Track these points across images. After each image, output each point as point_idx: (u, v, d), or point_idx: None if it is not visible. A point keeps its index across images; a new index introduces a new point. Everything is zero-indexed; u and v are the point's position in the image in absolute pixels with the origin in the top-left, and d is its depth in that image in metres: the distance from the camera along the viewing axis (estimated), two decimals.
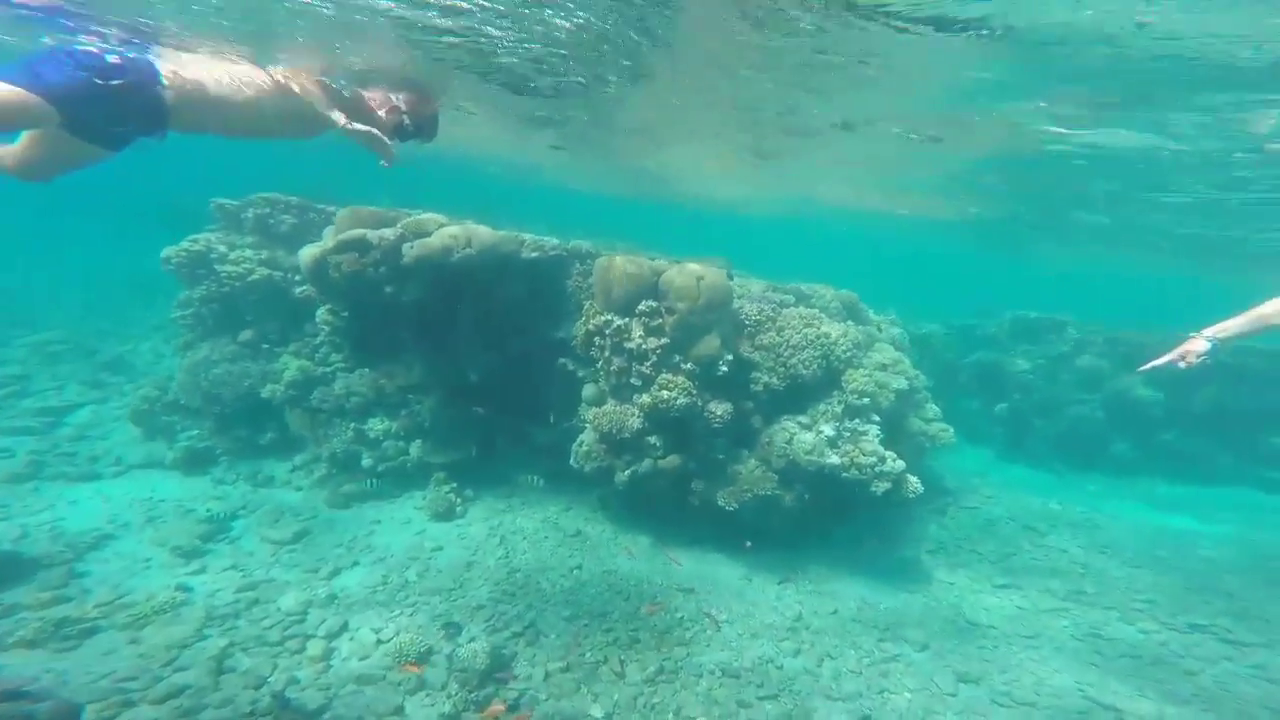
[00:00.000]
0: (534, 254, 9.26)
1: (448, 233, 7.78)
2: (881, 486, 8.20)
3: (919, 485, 8.44)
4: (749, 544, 8.46)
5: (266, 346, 9.36)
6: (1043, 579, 9.18)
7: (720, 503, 8.21)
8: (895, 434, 10.03)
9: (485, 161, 25.67)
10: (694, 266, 8.25)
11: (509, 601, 6.89)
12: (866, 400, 8.82)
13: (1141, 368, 4.70)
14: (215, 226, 10.32)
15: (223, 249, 9.49)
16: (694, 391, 8.15)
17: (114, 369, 12.67)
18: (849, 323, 10.97)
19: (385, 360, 9.43)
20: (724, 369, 8.26)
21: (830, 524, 9.15)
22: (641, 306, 8.13)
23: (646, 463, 8.43)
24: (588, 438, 8.76)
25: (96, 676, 5.14)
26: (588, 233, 14.08)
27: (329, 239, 8.14)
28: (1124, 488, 14.64)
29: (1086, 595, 8.77)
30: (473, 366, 9.13)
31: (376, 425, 8.85)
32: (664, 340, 8.17)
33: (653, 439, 8.35)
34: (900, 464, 8.28)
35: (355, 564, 7.24)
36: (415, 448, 8.98)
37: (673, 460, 8.39)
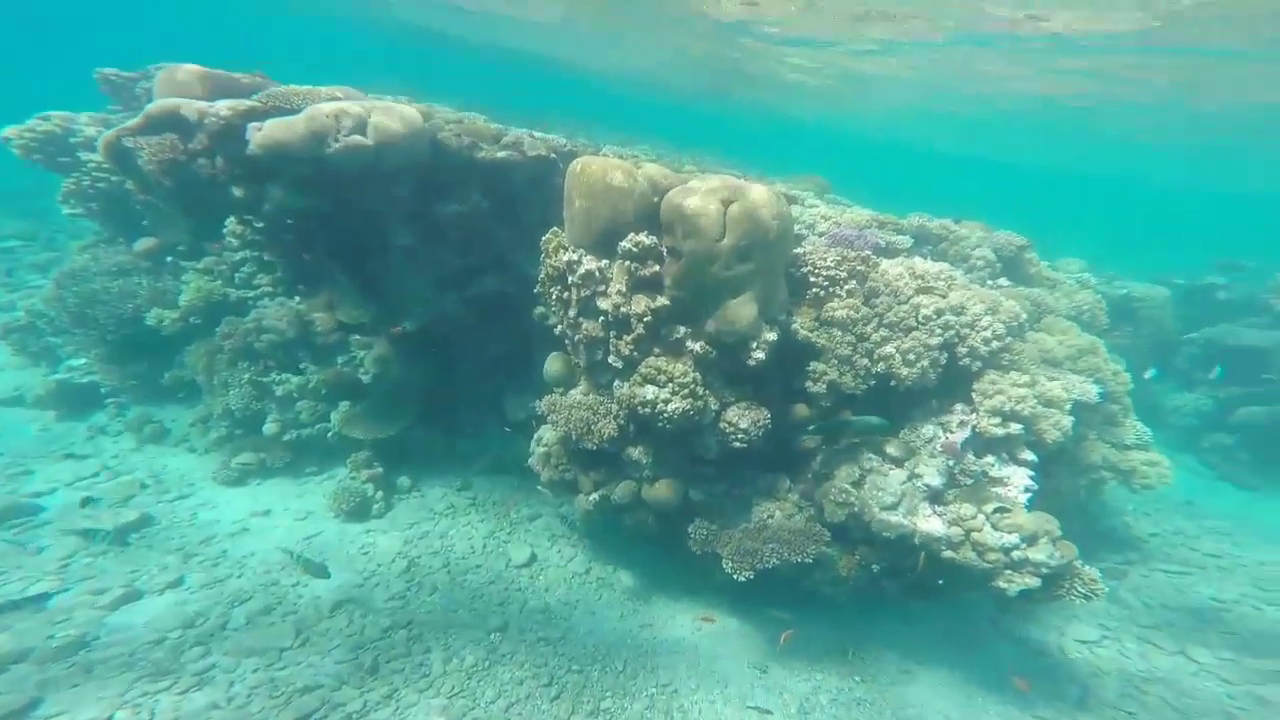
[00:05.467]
0: (502, 154, 6.28)
1: (323, 111, 5.00)
2: (1017, 584, 4.79)
3: (1099, 584, 4.86)
4: (787, 633, 5.53)
5: (172, 260, 7.43)
6: None
7: (727, 566, 5.24)
8: (1056, 464, 6.30)
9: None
10: (721, 182, 4.86)
11: (356, 686, 4.63)
12: (1017, 428, 5.18)
13: None
14: (113, 106, 8.32)
15: (90, 131, 7.44)
16: (701, 390, 5.03)
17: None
18: (1002, 282, 6.97)
19: (331, 287, 7.18)
20: (760, 355, 5.02)
21: (920, 598, 5.88)
22: (626, 243, 4.98)
23: (624, 487, 5.61)
24: (547, 435, 6.04)
25: None
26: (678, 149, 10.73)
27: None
28: None
29: None
30: (412, 310, 6.62)
31: (290, 379, 6.74)
32: (661, 301, 5.03)
33: (635, 452, 5.46)
34: (1064, 553, 4.73)
35: (175, 584, 5.28)
36: (340, 414, 6.82)
37: (664, 488, 5.49)
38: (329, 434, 6.89)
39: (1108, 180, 37.45)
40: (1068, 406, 5.46)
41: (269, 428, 6.76)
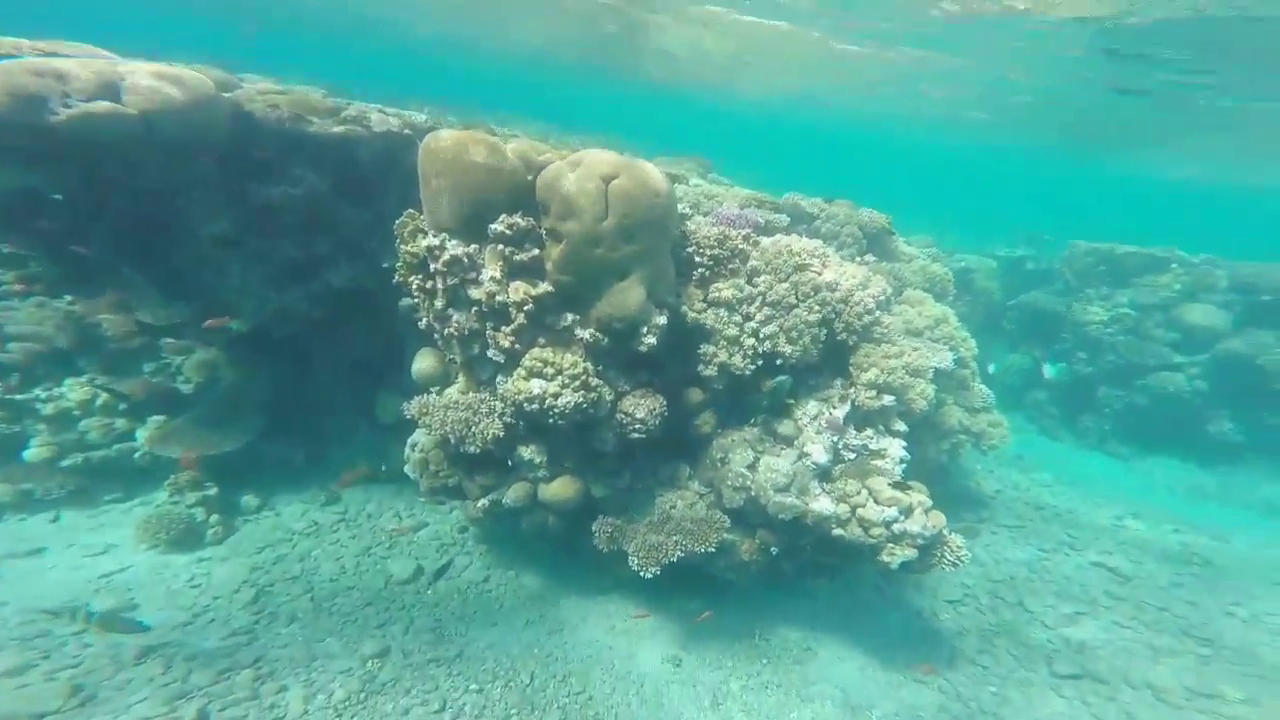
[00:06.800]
0: (340, 129, 5.46)
1: (30, 67, 3.90)
2: (899, 556, 5.03)
3: (963, 552, 5.22)
4: (706, 614, 5.47)
5: None
6: (1135, 661, 6.09)
7: (633, 563, 5.03)
8: (921, 430, 6.80)
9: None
10: (601, 158, 4.52)
11: None
12: (890, 400, 5.43)
13: None
14: None
15: None
16: (594, 380, 4.72)
17: None
18: (869, 258, 7.32)
19: (121, 285, 5.86)
20: (651, 340, 4.80)
21: (813, 576, 6.03)
22: (499, 226, 4.50)
23: (518, 489, 5.20)
24: (422, 440, 5.44)
25: None
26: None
27: None
28: (1228, 486, 11.30)
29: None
30: (242, 308, 5.63)
31: (66, 394, 5.48)
32: (544, 287, 4.63)
33: (528, 451, 5.04)
34: (935, 523, 5.02)
35: None
36: (151, 430, 5.67)
37: (562, 487, 5.15)
38: (136, 454, 5.72)
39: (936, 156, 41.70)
40: (930, 375, 5.84)
41: (36, 453, 5.44)
